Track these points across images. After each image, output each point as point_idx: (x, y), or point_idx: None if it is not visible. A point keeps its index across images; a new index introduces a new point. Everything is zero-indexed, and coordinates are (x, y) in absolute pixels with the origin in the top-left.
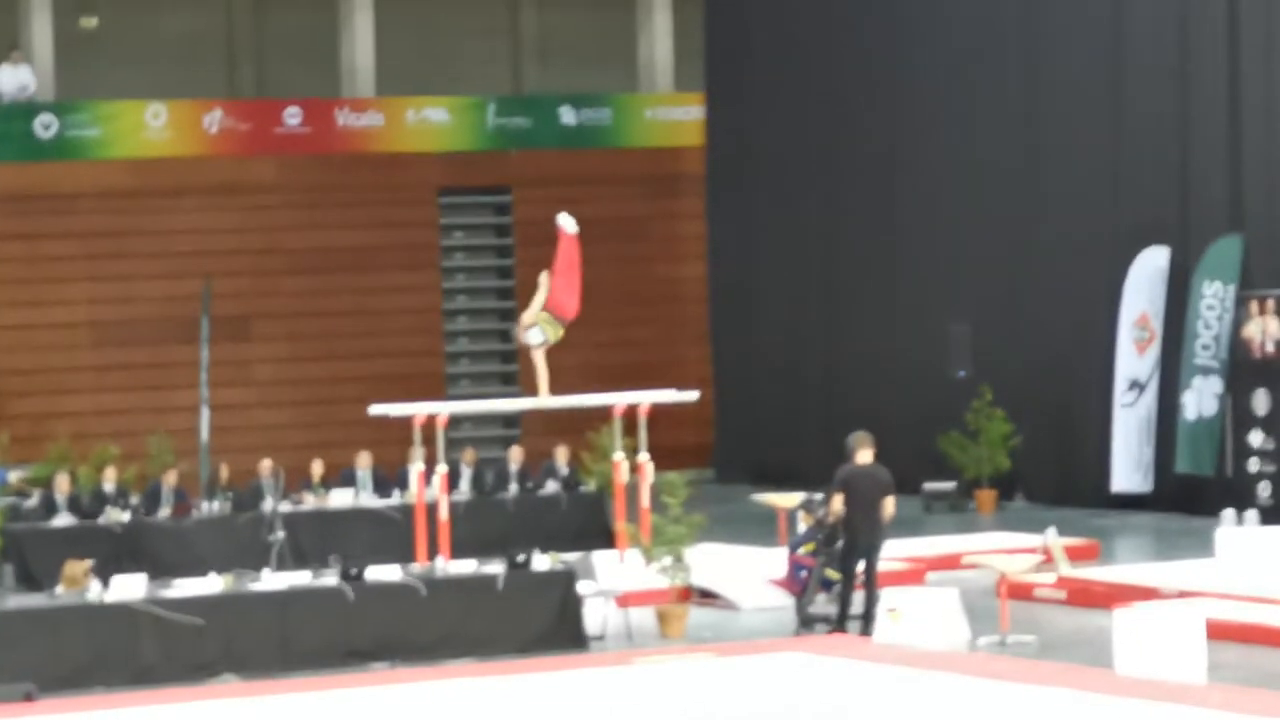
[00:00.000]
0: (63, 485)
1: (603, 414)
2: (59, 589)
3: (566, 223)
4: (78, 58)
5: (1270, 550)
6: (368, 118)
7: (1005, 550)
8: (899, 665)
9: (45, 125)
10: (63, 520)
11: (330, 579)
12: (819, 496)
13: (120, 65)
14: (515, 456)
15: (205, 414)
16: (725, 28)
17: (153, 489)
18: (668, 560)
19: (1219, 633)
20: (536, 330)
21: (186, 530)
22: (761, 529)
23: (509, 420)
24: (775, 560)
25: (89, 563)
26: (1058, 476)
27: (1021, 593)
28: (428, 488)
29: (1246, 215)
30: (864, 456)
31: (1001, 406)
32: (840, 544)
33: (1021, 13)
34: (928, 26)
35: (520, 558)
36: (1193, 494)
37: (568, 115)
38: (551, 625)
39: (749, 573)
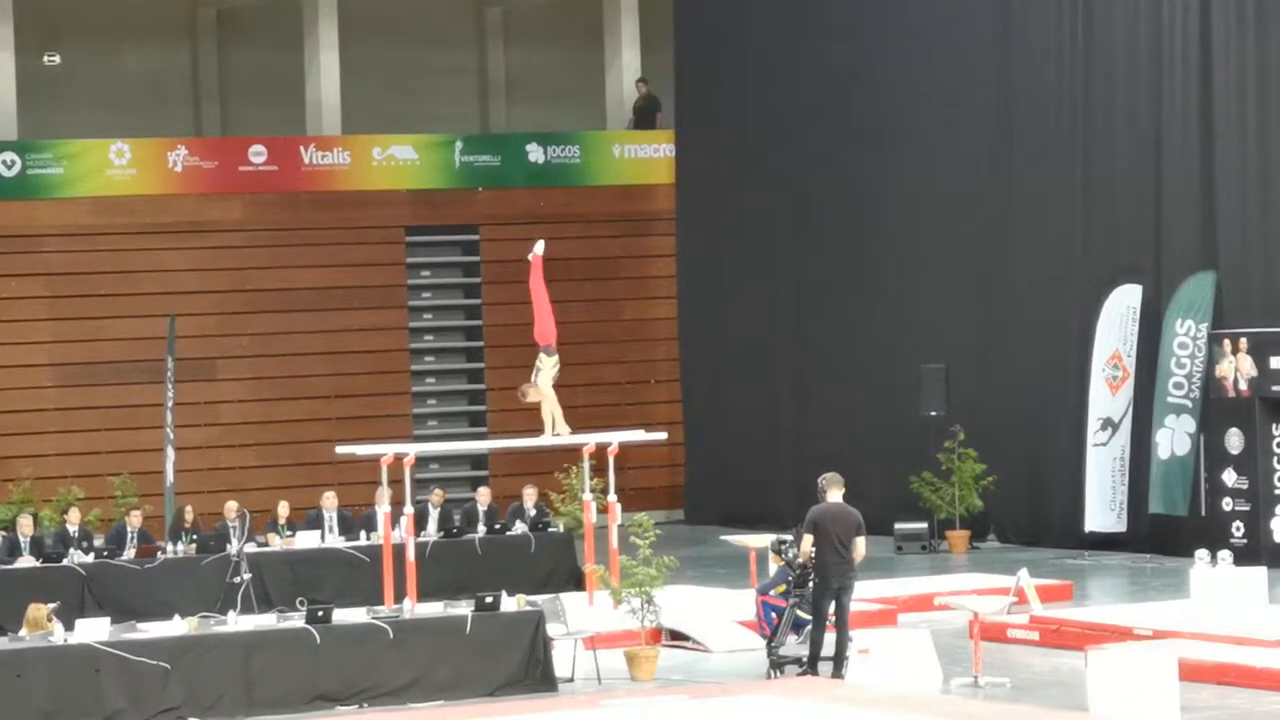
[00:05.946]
0: (25, 527)
1: (572, 455)
2: (22, 632)
3: (537, 246)
4: (40, 96)
5: (1244, 590)
6: (334, 156)
7: (978, 591)
8: (871, 707)
9: (7, 164)
10: (25, 562)
11: (296, 621)
12: (789, 537)
13: (84, 103)
14: (483, 497)
15: (170, 455)
16: (694, 64)
17: (117, 531)
18: (637, 602)
19: (1193, 673)
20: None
21: (151, 573)
22: (732, 570)
23: (477, 461)
24: (745, 602)
25: (52, 605)
26: (1030, 517)
27: (994, 634)
28: (395, 529)
29: (1219, 253)
30: (835, 497)
31: (974, 447)
32: (811, 585)
33: (994, 54)
34: (900, 67)
35: (488, 599)
36: (1166, 534)
37: (535, 153)
38: (520, 667)
39: (719, 614)
